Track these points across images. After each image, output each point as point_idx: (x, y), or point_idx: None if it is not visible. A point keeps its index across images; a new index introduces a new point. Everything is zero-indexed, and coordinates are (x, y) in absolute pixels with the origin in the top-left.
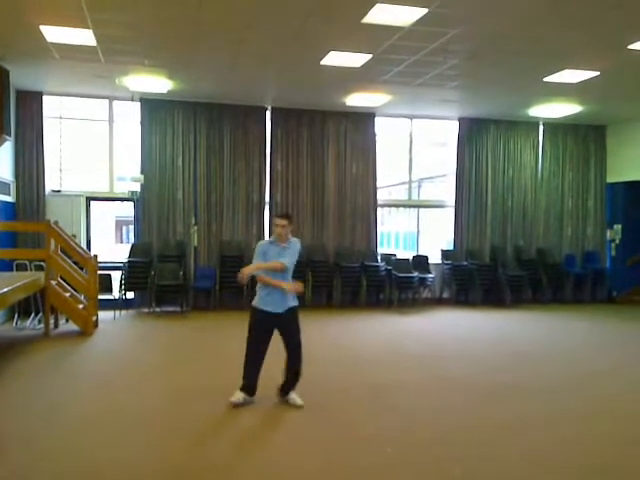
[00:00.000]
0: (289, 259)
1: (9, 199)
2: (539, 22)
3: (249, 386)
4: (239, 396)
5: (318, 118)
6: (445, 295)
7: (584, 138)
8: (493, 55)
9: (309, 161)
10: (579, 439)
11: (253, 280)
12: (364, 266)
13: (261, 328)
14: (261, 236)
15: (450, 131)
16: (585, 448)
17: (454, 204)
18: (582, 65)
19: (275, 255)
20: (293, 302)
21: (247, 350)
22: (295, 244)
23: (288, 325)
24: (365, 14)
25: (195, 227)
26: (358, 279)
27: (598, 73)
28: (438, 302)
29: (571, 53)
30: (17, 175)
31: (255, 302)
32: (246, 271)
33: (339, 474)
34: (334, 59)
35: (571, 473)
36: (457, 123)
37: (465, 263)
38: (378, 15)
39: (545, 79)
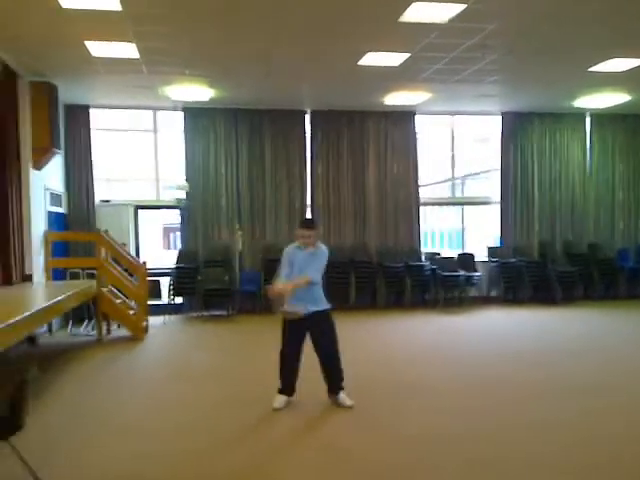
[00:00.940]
0: (315, 267)
1: (61, 210)
2: (580, 11)
3: (286, 387)
4: (280, 400)
5: (357, 118)
6: (493, 293)
7: (633, 128)
8: (533, 48)
9: (349, 162)
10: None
11: None
12: (408, 265)
13: (291, 330)
14: None
15: (493, 126)
16: (620, 447)
17: (500, 200)
18: (629, 53)
19: (302, 262)
20: (322, 305)
21: (281, 352)
22: (322, 250)
23: (316, 328)
24: (402, 13)
25: (239, 232)
26: (402, 279)
27: None
28: (486, 301)
29: (617, 41)
30: (68, 187)
31: (284, 307)
32: (276, 290)
33: (376, 474)
34: (372, 59)
35: (600, 472)
36: (500, 118)
37: (513, 260)
38: (415, 13)
39: (590, 69)
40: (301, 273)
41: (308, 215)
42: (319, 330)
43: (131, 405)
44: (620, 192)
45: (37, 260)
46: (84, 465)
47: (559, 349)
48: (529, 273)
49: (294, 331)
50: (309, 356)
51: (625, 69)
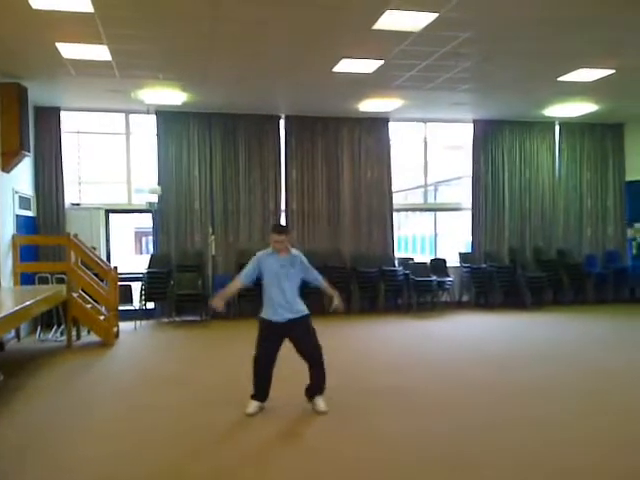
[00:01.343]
0: (314, 273)
1: (30, 213)
2: (551, 23)
3: (259, 393)
4: (253, 405)
5: (332, 125)
6: (464, 298)
7: (601, 137)
8: (505, 57)
9: (324, 168)
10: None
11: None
12: (381, 271)
13: (267, 337)
14: None
15: (465, 134)
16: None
17: (471, 207)
18: (597, 64)
19: (277, 267)
20: (299, 311)
21: (254, 358)
22: (301, 256)
23: (296, 334)
24: (375, 21)
25: (212, 236)
26: (376, 284)
27: (613, 71)
28: (457, 305)
29: (585, 52)
30: (37, 190)
31: (262, 313)
32: (219, 300)
33: (356, 475)
34: (346, 66)
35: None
36: (472, 125)
37: (484, 265)
38: (388, 21)
39: (559, 79)
40: (278, 278)
41: (282, 220)
42: (300, 337)
43: (104, 411)
44: (588, 200)
45: (5, 264)
46: (58, 468)
47: (530, 353)
48: (500, 278)
49: (269, 337)
50: (284, 362)
51: (593, 79)
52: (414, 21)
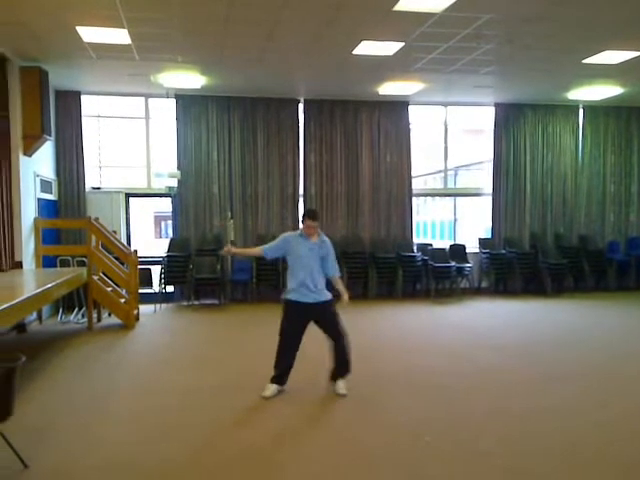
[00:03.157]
0: (332, 260)
1: (51, 197)
2: (576, 3)
3: (280, 376)
4: (271, 388)
5: (351, 108)
6: (483, 284)
7: (626, 120)
8: (528, 39)
9: (343, 152)
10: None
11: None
12: (400, 256)
13: (293, 320)
14: (296, 228)
15: (486, 118)
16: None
17: (492, 192)
18: (622, 45)
19: (307, 251)
20: (325, 295)
21: (279, 341)
22: (328, 242)
23: (323, 317)
24: (396, 2)
25: (231, 220)
26: (394, 270)
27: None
28: (476, 292)
29: (610, 34)
30: (58, 173)
31: (286, 294)
32: (231, 251)
33: (371, 462)
34: (366, 48)
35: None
36: (493, 109)
37: (504, 252)
38: (410, 2)
39: (584, 61)
40: (307, 261)
41: (301, 204)
42: (327, 320)
43: (123, 393)
44: (611, 185)
45: (27, 247)
46: (75, 449)
47: (549, 340)
48: (520, 265)
49: (295, 318)
50: (303, 346)
51: (618, 62)
52: (436, 2)
